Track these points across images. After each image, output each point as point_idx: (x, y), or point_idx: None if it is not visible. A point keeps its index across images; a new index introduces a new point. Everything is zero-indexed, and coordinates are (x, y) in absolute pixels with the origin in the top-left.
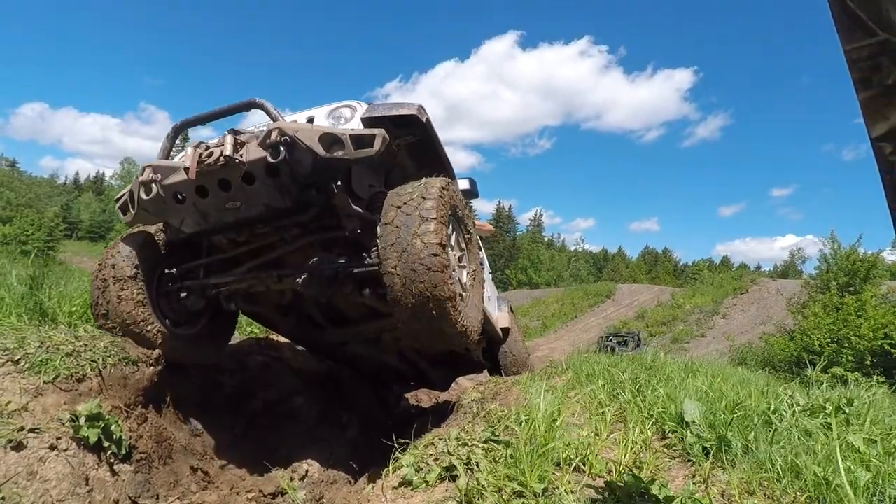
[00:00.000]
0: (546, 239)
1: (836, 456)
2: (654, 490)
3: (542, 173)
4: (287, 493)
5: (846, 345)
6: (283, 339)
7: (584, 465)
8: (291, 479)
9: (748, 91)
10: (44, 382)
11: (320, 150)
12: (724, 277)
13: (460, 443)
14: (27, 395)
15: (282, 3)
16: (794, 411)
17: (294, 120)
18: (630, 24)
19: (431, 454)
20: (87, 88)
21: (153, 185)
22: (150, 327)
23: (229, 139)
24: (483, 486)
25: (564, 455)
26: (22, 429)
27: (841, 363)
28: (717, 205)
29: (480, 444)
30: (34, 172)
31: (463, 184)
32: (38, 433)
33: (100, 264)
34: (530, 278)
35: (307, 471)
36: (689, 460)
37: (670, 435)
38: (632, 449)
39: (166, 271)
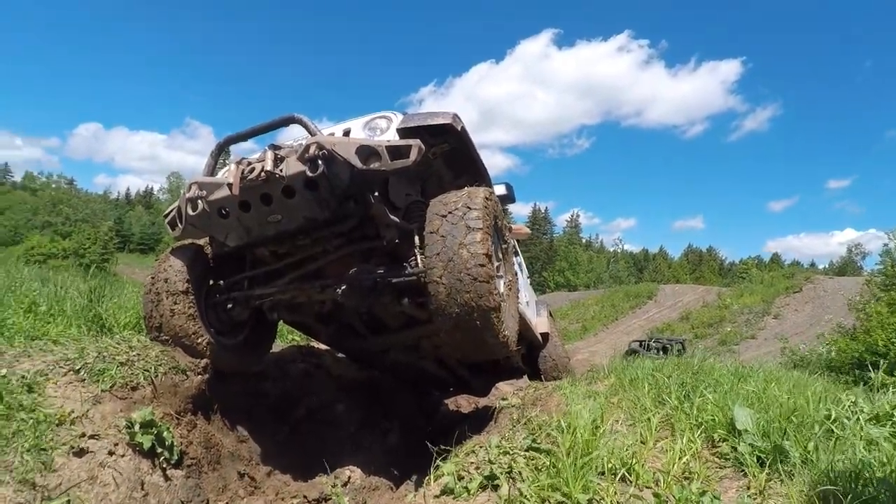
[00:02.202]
0: (584, 240)
1: None
2: (706, 502)
3: (580, 174)
4: (330, 498)
5: None
6: (323, 347)
7: (629, 474)
8: (334, 486)
9: (800, 79)
10: (101, 391)
11: (357, 162)
12: (774, 276)
13: (501, 451)
14: (87, 402)
15: (316, 13)
16: (858, 419)
17: (331, 133)
18: (672, 16)
19: (472, 462)
20: (136, 107)
21: (199, 201)
22: (200, 339)
23: (269, 155)
24: (525, 496)
25: (609, 464)
26: (83, 435)
27: None
28: (767, 200)
29: (521, 453)
30: (89, 189)
31: (499, 189)
32: (97, 439)
33: (152, 277)
34: (568, 280)
35: (350, 477)
36: (742, 471)
37: (721, 443)
38: (680, 458)
39: (213, 283)
